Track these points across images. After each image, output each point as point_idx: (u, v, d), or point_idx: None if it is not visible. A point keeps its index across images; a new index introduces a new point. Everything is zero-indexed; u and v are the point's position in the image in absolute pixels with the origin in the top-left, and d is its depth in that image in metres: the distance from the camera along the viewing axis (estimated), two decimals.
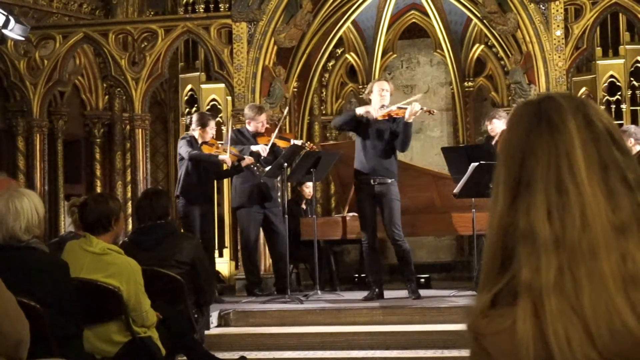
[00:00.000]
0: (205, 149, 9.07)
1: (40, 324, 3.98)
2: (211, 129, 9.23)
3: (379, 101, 8.24)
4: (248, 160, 8.99)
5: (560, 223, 1.30)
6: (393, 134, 8.26)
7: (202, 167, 9.12)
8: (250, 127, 9.32)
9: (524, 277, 1.29)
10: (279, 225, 9.18)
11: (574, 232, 1.29)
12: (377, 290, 8.44)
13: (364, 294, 8.61)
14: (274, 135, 9.13)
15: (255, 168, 9.11)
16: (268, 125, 9.46)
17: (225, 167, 9.42)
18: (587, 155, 1.32)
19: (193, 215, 9.05)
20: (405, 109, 8.16)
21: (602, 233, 1.29)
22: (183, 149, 9.07)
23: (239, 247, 10.32)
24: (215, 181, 9.83)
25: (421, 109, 8.17)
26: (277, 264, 9.33)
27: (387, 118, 8.22)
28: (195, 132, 9.18)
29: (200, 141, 9.13)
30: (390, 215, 8.25)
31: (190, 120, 9.37)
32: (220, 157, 8.97)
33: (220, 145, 9.11)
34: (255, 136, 9.28)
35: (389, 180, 8.26)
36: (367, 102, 8.44)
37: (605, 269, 1.27)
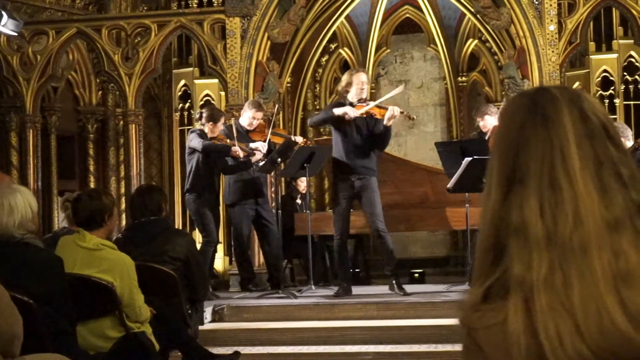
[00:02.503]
0: None
1: (33, 319, 3.98)
2: (221, 125, 9.15)
3: (357, 95, 8.10)
4: (258, 155, 8.93)
5: (552, 219, 1.29)
6: (372, 132, 8.14)
7: (211, 161, 9.06)
8: (245, 120, 9.25)
9: (515, 272, 1.29)
10: (271, 221, 9.18)
11: (565, 229, 1.28)
12: (345, 285, 8.39)
13: (358, 288, 8.61)
14: (269, 131, 9.10)
15: (262, 163, 9.03)
16: (261, 121, 9.44)
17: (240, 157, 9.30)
18: (582, 151, 1.32)
19: (204, 210, 9.01)
20: (385, 109, 8.01)
21: (595, 230, 1.28)
22: (195, 141, 8.95)
23: (232, 243, 10.32)
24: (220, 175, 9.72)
25: (401, 112, 8.07)
26: (270, 259, 9.32)
27: (364, 115, 8.09)
28: (205, 127, 9.10)
29: (209, 136, 9.05)
30: (372, 207, 8.12)
31: (200, 115, 9.27)
32: (234, 148, 8.89)
33: (228, 141, 9.04)
34: (248, 132, 9.24)
35: (368, 177, 8.18)
36: (343, 95, 8.23)
37: (596, 267, 1.26)
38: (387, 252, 8.23)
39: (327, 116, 8.26)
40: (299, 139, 9.16)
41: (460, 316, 1.33)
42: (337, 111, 8.06)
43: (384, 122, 7.99)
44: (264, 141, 8.95)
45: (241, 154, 8.87)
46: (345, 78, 8.36)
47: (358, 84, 8.14)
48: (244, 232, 9.29)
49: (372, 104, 8.15)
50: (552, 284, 1.26)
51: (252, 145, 8.94)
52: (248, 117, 9.21)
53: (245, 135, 9.16)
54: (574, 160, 1.31)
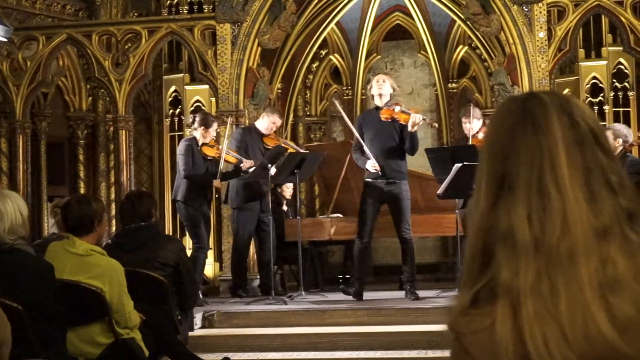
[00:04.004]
0: (205, 150, 9.04)
1: (22, 325, 3.97)
2: (213, 130, 9.17)
3: (377, 90, 8.38)
4: (248, 163, 8.96)
5: (540, 227, 1.29)
6: (400, 136, 8.31)
7: (201, 169, 9.06)
8: (264, 124, 9.27)
9: (503, 278, 1.29)
10: (269, 228, 9.19)
11: (553, 237, 1.28)
12: (357, 286, 8.48)
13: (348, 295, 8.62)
14: (283, 139, 9.24)
15: (252, 169, 9.06)
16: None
17: (222, 168, 9.34)
18: (571, 159, 1.32)
19: (195, 216, 9.01)
20: (408, 114, 8.19)
21: (583, 238, 1.28)
22: (181, 161, 9.00)
23: (223, 249, 10.30)
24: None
25: (424, 119, 8.25)
26: (264, 265, 9.30)
27: (390, 120, 8.26)
28: (196, 131, 9.11)
29: (201, 142, 9.07)
30: (402, 214, 8.30)
31: (193, 120, 9.29)
32: (215, 183, 8.97)
33: (220, 147, 9.08)
34: (262, 137, 9.28)
35: (399, 181, 8.30)
36: (371, 99, 8.56)
37: (582, 275, 1.27)
38: (409, 260, 8.43)
39: (362, 166, 8.44)
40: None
41: (448, 321, 1.34)
42: (368, 166, 8.30)
43: (409, 129, 8.16)
44: (278, 147, 8.97)
45: (220, 186, 9.01)
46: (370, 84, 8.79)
47: (375, 81, 8.50)
48: (245, 239, 9.27)
49: (397, 107, 8.26)
50: (539, 291, 1.27)
51: (246, 163, 8.97)
52: (268, 121, 9.28)
53: (259, 140, 9.20)
54: (562, 167, 1.31)
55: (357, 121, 8.78)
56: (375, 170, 8.22)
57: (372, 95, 8.56)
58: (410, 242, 8.41)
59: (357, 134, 8.51)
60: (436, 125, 8.92)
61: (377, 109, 8.40)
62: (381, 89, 8.37)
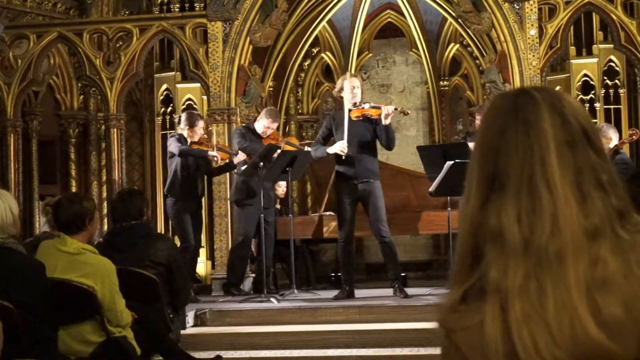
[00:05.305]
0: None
1: (13, 324, 3.96)
2: (199, 129, 9.18)
3: (351, 99, 8.25)
4: (241, 156, 8.97)
5: (530, 227, 1.29)
6: (373, 135, 8.27)
7: (192, 165, 9.08)
8: (259, 128, 9.23)
9: (492, 277, 1.29)
10: (270, 225, 9.19)
11: (542, 237, 1.28)
12: (347, 288, 8.45)
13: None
14: (282, 139, 9.22)
15: (244, 167, 9.07)
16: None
17: (214, 164, 9.35)
18: (562, 159, 1.31)
19: (183, 214, 8.99)
20: (379, 108, 8.16)
21: (572, 239, 1.28)
22: (173, 145, 9.01)
23: (215, 247, 10.29)
24: (205, 179, 9.72)
25: (395, 109, 8.21)
26: (260, 263, 9.28)
27: (361, 119, 8.22)
28: (183, 131, 9.13)
29: (189, 141, 9.09)
30: (376, 213, 8.24)
31: (179, 120, 9.31)
32: (210, 153, 8.95)
33: (210, 144, 9.09)
34: (262, 139, 9.27)
35: (373, 181, 8.28)
36: (339, 100, 8.47)
37: (570, 276, 1.26)
38: (391, 258, 8.35)
39: (323, 154, 8.37)
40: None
41: (439, 317, 1.34)
42: (332, 150, 8.23)
43: (383, 122, 8.08)
44: (269, 145, 8.92)
45: (218, 158, 8.96)
46: (338, 83, 8.54)
47: (349, 88, 8.27)
48: (249, 238, 9.23)
49: (366, 105, 8.23)
50: (527, 292, 1.26)
51: (240, 156, 8.98)
52: (262, 126, 9.23)
53: (259, 140, 9.18)
54: (553, 168, 1.30)
55: (327, 120, 8.70)
56: (343, 152, 8.11)
57: (342, 97, 8.36)
58: (389, 241, 8.31)
59: (323, 129, 8.45)
60: (408, 112, 8.89)
61: (349, 110, 8.27)
62: (355, 97, 8.23)
